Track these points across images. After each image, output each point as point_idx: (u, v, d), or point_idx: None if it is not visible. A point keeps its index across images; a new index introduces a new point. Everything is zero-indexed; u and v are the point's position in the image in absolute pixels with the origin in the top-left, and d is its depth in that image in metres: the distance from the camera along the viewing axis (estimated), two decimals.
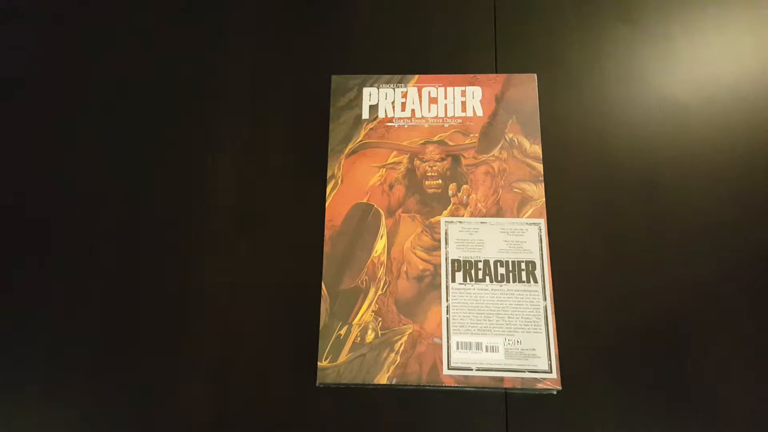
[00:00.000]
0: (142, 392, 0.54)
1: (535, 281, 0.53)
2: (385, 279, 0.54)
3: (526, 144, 0.58)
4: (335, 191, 0.57)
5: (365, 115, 0.59)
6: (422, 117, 0.59)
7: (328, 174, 0.57)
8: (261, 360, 0.54)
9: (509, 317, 0.52)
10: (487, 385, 0.50)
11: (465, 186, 0.56)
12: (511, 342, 0.51)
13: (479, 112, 0.59)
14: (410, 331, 0.52)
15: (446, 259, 0.54)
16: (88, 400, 0.54)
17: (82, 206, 0.60)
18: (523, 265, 0.54)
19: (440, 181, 0.57)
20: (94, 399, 0.54)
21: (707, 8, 0.65)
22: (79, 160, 0.61)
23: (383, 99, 0.60)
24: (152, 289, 0.57)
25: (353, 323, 0.52)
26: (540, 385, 0.50)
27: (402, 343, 0.52)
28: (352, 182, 0.57)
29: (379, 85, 0.60)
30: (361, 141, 0.58)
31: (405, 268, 0.54)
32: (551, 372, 0.50)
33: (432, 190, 0.56)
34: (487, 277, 0.53)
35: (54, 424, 0.53)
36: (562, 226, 0.58)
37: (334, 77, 0.61)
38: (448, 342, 0.52)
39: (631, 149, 0.60)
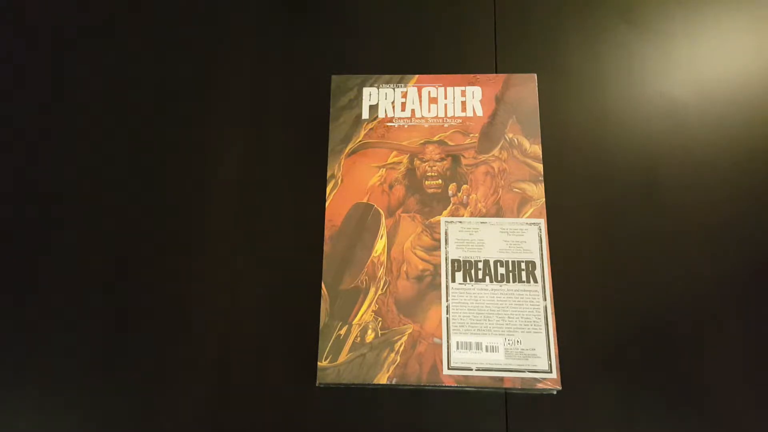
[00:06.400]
0: (142, 392, 0.54)
1: (535, 281, 0.53)
2: (385, 279, 0.54)
3: (526, 144, 0.58)
4: (335, 191, 0.57)
5: (365, 115, 0.59)
6: (422, 117, 0.59)
7: (328, 174, 0.57)
8: (261, 360, 0.54)
9: (509, 317, 0.52)
10: (487, 385, 0.50)
11: (465, 186, 0.56)
12: (511, 342, 0.51)
13: (479, 112, 0.59)
14: (410, 331, 0.52)
15: (446, 259, 0.54)
16: (88, 400, 0.54)
17: (82, 206, 0.60)
18: (523, 265, 0.54)
19: (440, 181, 0.57)
20: (94, 399, 0.54)
21: (707, 8, 0.65)
22: (79, 161, 0.61)
23: (383, 99, 0.60)
24: (153, 288, 0.57)
25: (353, 323, 0.52)
26: (540, 385, 0.50)
27: (402, 343, 0.52)
28: (352, 182, 0.57)
29: (379, 85, 0.60)
30: (361, 141, 0.58)
31: (405, 268, 0.54)
32: (551, 372, 0.50)
33: (432, 190, 0.56)
34: (487, 277, 0.53)
35: (54, 424, 0.53)
36: (562, 226, 0.58)
37: (334, 77, 0.61)
38: (448, 342, 0.52)
39: (631, 149, 0.60)
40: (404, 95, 0.60)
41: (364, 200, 0.56)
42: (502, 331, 0.52)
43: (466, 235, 0.55)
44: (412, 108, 0.59)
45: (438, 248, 0.54)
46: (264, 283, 0.57)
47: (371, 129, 0.59)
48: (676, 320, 0.54)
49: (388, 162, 0.57)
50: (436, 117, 0.59)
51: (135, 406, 0.53)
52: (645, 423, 0.52)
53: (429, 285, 0.53)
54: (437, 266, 0.54)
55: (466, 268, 0.54)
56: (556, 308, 0.55)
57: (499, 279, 0.53)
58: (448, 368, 0.51)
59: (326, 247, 0.55)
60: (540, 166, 0.57)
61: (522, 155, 0.57)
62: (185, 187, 0.60)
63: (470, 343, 0.51)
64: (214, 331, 0.55)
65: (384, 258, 0.54)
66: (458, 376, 0.50)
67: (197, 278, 0.57)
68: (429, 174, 0.57)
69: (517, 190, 0.56)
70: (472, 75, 0.60)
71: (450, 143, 0.58)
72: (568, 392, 0.53)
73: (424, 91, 0.60)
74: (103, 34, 0.66)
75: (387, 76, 0.60)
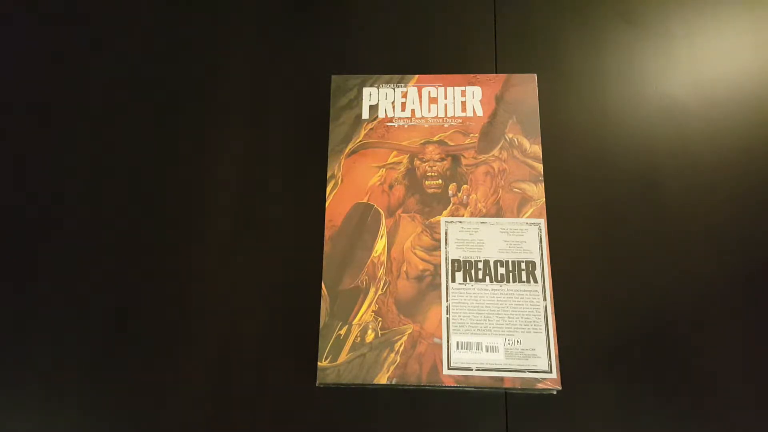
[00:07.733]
0: (142, 392, 0.54)
1: (535, 281, 0.53)
2: (385, 279, 0.54)
3: (526, 144, 0.58)
4: (335, 191, 0.57)
5: (365, 115, 0.59)
6: (422, 117, 0.59)
7: (328, 174, 0.57)
8: (261, 360, 0.54)
9: (509, 317, 0.52)
10: (487, 385, 0.50)
11: (465, 186, 0.56)
12: (511, 342, 0.51)
13: (479, 112, 0.59)
14: (410, 331, 0.52)
15: (446, 259, 0.54)
16: (88, 400, 0.54)
17: (82, 206, 0.60)
18: (523, 265, 0.54)
19: (440, 181, 0.57)
20: (94, 399, 0.54)
21: (707, 8, 0.65)
22: (79, 161, 0.61)
23: (383, 99, 0.60)
24: (152, 289, 0.57)
25: (353, 323, 0.52)
26: (540, 385, 0.50)
27: (402, 343, 0.52)
28: (352, 182, 0.57)
29: (379, 85, 0.60)
30: (361, 141, 0.58)
31: (405, 268, 0.54)
32: (551, 372, 0.50)
33: (432, 190, 0.56)
34: (487, 277, 0.53)
35: (54, 424, 0.53)
36: (562, 226, 0.58)
37: (334, 77, 0.61)
38: (448, 342, 0.52)
39: (631, 149, 0.60)
40: (404, 95, 0.60)
41: (364, 200, 0.56)
42: (502, 331, 0.52)
43: (466, 235, 0.55)
44: (412, 108, 0.59)
45: (438, 248, 0.54)
46: (264, 283, 0.57)
47: (371, 129, 0.59)
48: (676, 320, 0.54)
49: (388, 162, 0.57)
50: (436, 117, 0.59)
51: (135, 406, 0.53)
52: (645, 423, 0.52)
53: (429, 285, 0.53)
54: (437, 266, 0.54)
55: (466, 268, 0.54)
56: (556, 308, 0.55)
57: (499, 279, 0.53)
58: (448, 368, 0.51)
59: (326, 247, 0.55)
60: (540, 166, 0.57)
61: (522, 155, 0.57)
62: (185, 186, 0.60)
63: (470, 343, 0.51)
64: (214, 331, 0.55)
65: (384, 258, 0.54)
66: (458, 376, 0.50)
67: (197, 278, 0.57)
68: (429, 174, 0.57)
69: (517, 190, 0.56)
70: (472, 75, 0.60)
71: (450, 143, 0.58)
72: (568, 392, 0.53)
73: (424, 91, 0.60)
74: (104, 35, 0.66)
75: (387, 76, 0.60)
